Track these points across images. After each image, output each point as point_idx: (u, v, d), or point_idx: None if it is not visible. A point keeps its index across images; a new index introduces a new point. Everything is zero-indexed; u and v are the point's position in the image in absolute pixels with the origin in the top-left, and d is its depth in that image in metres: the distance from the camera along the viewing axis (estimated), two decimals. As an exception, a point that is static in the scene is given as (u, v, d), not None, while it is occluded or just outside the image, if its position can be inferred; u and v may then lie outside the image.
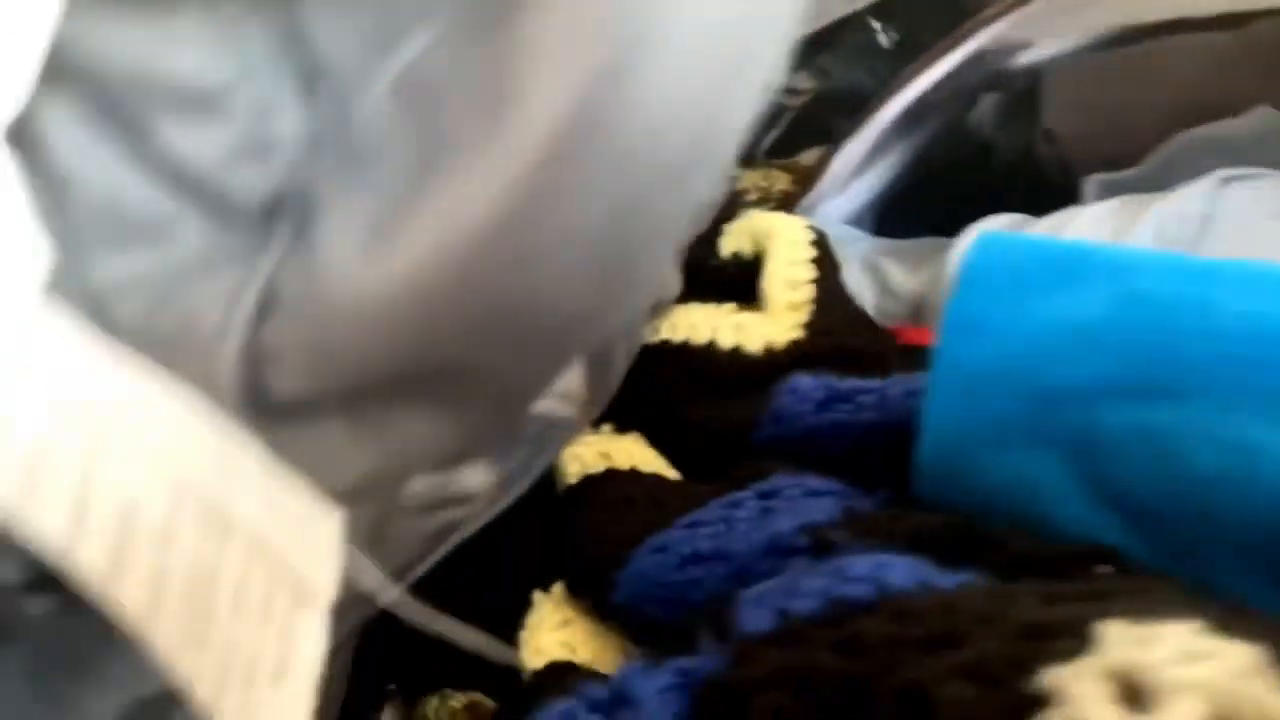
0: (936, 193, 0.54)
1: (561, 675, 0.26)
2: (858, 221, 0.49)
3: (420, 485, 0.19)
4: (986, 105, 0.58)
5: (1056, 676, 0.14)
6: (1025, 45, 0.45)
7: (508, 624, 0.30)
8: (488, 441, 0.19)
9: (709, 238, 0.37)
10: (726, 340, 0.32)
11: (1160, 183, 0.35)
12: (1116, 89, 0.39)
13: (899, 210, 0.52)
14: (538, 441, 0.24)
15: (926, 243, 0.44)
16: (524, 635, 0.29)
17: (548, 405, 0.23)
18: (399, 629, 0.22)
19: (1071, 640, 0.14)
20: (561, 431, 0.24)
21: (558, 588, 0.31)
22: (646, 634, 0.27)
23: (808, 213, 0.46)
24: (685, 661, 0.20)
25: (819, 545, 0.22)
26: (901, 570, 0.19)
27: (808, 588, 0.19)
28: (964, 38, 0.43)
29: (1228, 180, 0.32)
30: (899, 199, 0.53)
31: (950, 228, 0.46)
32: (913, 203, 0.53)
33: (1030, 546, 0.21)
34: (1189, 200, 0.32)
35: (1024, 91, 0.56)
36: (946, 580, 0.18)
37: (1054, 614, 0.15)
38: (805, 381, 0.28)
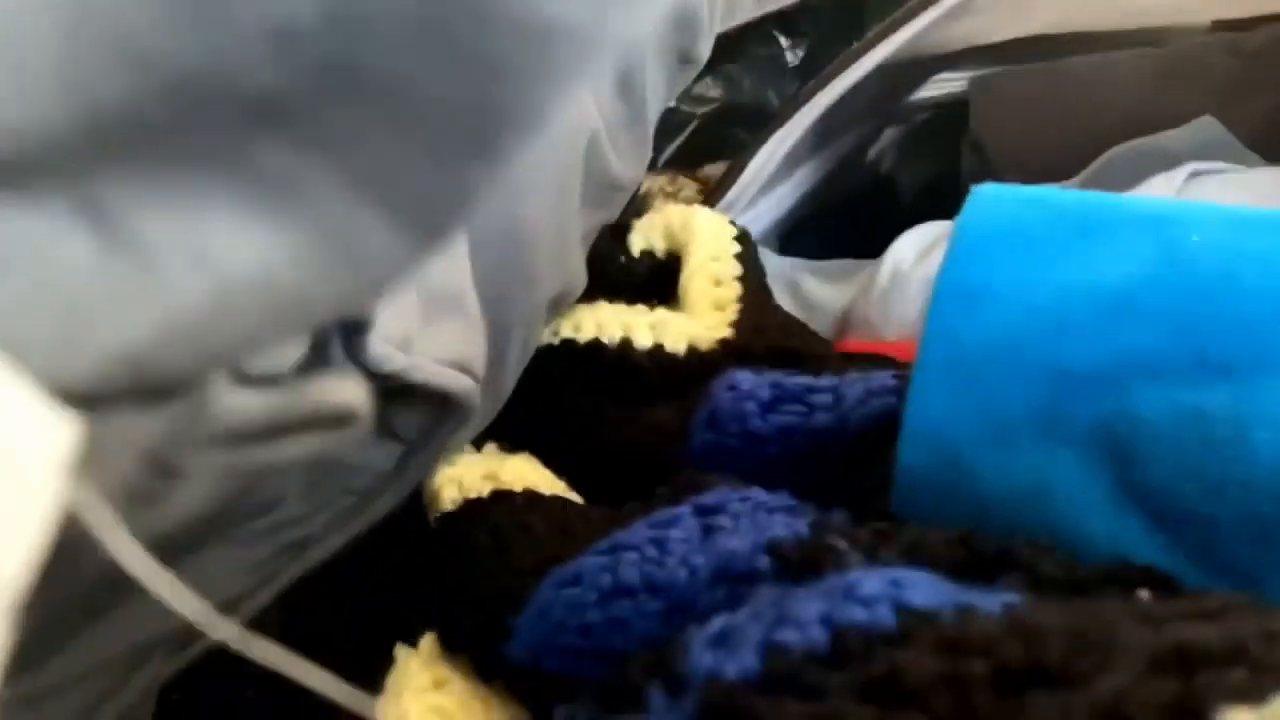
0: (842, 221, 0.51)
1: (436, 751, 0.20)
2: (763, 242, 0.46)
3: (241, 400, 0.12)
4: (887, 141, 0.57)
5: (1248, 723, 0.09)
6: (926, 59, 0.44)
7: (360, 686, 0.24)
8: (374, 285, 0.11)
9: (617, 233, 0.32)
10: (644, 339, 0.27)
11: (1101, 192, 0.33)
12: (1048, 101, 0.37)
13: (804, 236, 0.49)
14: (435, 417, 0.17)
15: (842, 262, 0.41)
16: (384, 702, 0.23)
17: (442, 373, 0.17)
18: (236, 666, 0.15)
19: (1252, 670, 0.09)
20: (456, 416, 0.18)
21: (427, 640, 0.24)
22: (548, 697, 0.21)
23: (714, 226, 0.41)
24: (625, 724, 0.14)
25: (791, 566, 0.17)
26: (924, 589, 0.14)
27: (800, 614, 0.14)
28: (867, 48, 0.41)
29: (1194, 175, 0.30)
30: (804, 224, 0.50)
31: (859, 255, 0.43)
32: (818, 230, 0.50)
33: (1059, 566, 0.16)
34: (1159, 195, 0.29)
35: (924, 126, 0.55)
36: (987, 601, 0.14)
37: (1207, 634, 0.10)
38: (747, 378, 0.23)
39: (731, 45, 0.47)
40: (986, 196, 0.19)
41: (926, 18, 0.39)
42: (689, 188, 0.41)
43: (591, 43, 0.09)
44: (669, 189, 0.40)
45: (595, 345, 0.27)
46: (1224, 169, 0.30)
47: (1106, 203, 0.18)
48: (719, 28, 0.42)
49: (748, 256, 0.31)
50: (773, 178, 0.46)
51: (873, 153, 0.55)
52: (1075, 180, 0.35)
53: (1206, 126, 0.32)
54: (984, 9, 0.38)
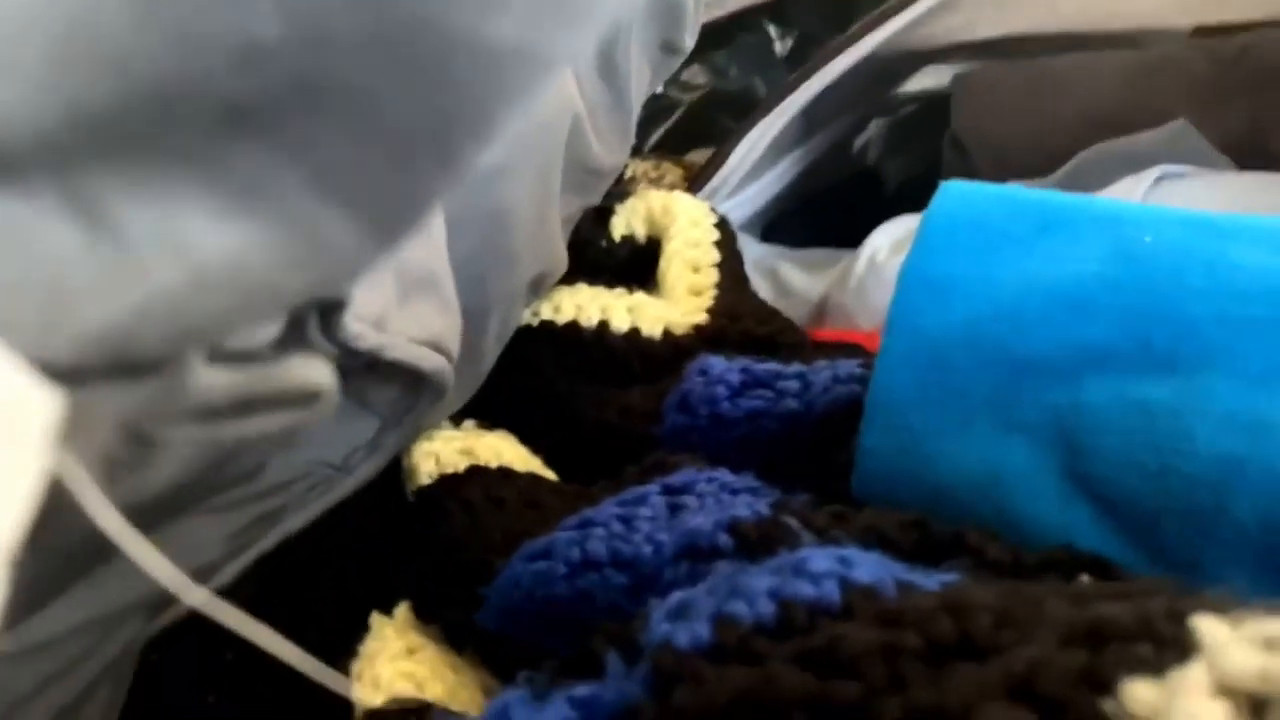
0: (825, 211, 0.52)
1: (406, 716, 0.21)
2: (746, 229, 0.46)
3: (214, 377, 0.12)
4: (873, 133, 0.57)
5: (1148, 693, 0.10)
6: (913, 53, 0.44)
7: (335, 652, 0.24)
8: (339, 276, 0.12)
9: (599, 217, 0.33)
10: (621, 322, 0.27)
11: (1074, 192, 0.34)
12: (1027, 100, 0.38)
13: (788, 225, 0.50)
14: (410, 393, 0.18)
15: (822, 251, 0.41)
16: (357, 666, 0.23)
17: (416, 351, 0.17)
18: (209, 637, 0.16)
19: (1156, 644, 0.10)
20: (430, 393, 0.19)
21: (401, 609, 0.25)
22: (515, 666, 0.22)
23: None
24: (583, 689, 0.15)
25: (750, 545, 0.17)
26: (869, 567, 0.15)
27: (751, 588, 0.14)
28: (854, 39, 0.41)
29: (1163, 178, 0.31)
30: (788, 213, 0.50)
31: (841, 244, 0.44)
32: (802, 218, 0.51)
33: (1005, 551, 0.17)
34: (1127, 197, 0.30)
35: (910, 118, 0.56)
36: (928, 580, 0.14)
37: (1118, 611, 0.11)
38: (718, 363, 0.23)
39: (720, 33, 0.47)
40: (953, 191, 0.20)
41: (913, 11, 0.40)
42: (673, 173, 0.41)
43: (540, 62, 0.10)
44: (653, 174, 0.41)
45: (573, 327, 0.28)
46: (1191, 173, 0.31)
47: (1067, 202, 0.19)
48: (705, 17, 0.42)
49: (726, 244, 0.31)
50: (757, 166, 0.47)
51: (858, 143, 0.55)
52: (1050, 179, 0.36)
53: (1179, 130, 0.33)
54: (969, 6, 0.38)
